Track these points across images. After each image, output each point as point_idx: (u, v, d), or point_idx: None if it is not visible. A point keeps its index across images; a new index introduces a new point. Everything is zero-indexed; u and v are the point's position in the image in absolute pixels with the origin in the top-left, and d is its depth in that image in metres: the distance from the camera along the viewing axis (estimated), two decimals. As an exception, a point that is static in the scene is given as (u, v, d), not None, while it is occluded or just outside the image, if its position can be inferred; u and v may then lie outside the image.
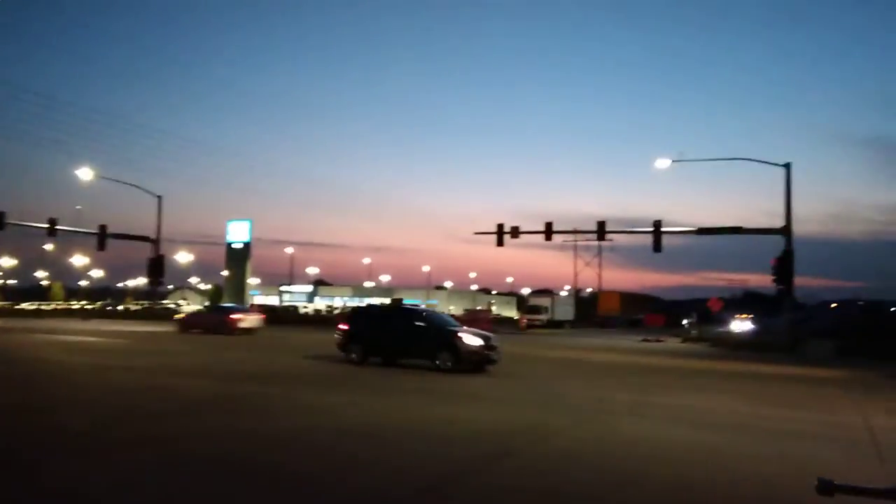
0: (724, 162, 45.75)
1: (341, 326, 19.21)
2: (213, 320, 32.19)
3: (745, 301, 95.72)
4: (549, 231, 39.84)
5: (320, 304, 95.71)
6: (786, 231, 33.73)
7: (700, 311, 52.25)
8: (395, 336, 18.09)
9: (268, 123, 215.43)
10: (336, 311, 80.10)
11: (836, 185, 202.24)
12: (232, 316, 32.51)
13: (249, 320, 33.29)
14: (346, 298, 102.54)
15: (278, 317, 58.73)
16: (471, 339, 17.13)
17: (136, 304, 72.56)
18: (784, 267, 32.55)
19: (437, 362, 16.99)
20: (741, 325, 55.57)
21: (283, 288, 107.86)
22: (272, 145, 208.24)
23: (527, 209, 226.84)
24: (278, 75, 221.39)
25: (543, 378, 17.33)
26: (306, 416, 10.14)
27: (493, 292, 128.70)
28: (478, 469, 7.09)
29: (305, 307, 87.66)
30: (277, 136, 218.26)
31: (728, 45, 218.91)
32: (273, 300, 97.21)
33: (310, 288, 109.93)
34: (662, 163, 36.30)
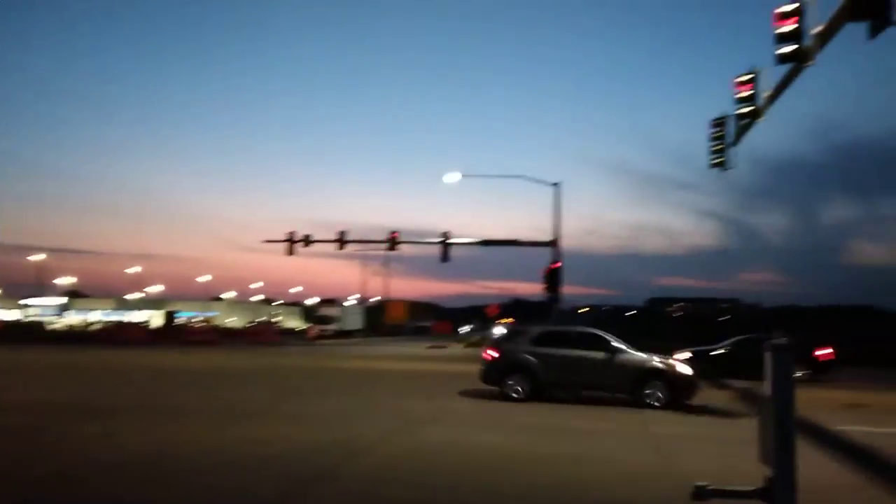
0: (505, 179, 49.75)
1: (490, 353, 15.81)
2: None
3: (514, 307, 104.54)
4: (341, 240, 39.63)
5: (75, 318, 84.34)
6: (555, 244, 37.53)
7: (481, 318, 55.88)
8: (575, 364, 14.92)
9: (13, 112, 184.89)
10: (95, 327, 70.73)
11: (589, 203, 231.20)
12: None
13: None
14: (107, 312, 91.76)
15: (15, 335, 48.71)
16: (682, 367, 14.81)
17: None
18: (553, 277, 36.16)
19: (648, 399, 14.22)
20: (503, 329, 59.81)
21: (25, 301, 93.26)
22: (19, 137, 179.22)
23: (315, 219, 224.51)
24: (31, 56, 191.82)
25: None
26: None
27: (278, 302, 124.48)
28: None
29: (53, 323, 76.27)
30: (25, 127, 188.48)
31: (510, 75, 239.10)
32: (16, 315, 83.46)
33: (62, 300, 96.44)
34: (451, 177, 38.22)
